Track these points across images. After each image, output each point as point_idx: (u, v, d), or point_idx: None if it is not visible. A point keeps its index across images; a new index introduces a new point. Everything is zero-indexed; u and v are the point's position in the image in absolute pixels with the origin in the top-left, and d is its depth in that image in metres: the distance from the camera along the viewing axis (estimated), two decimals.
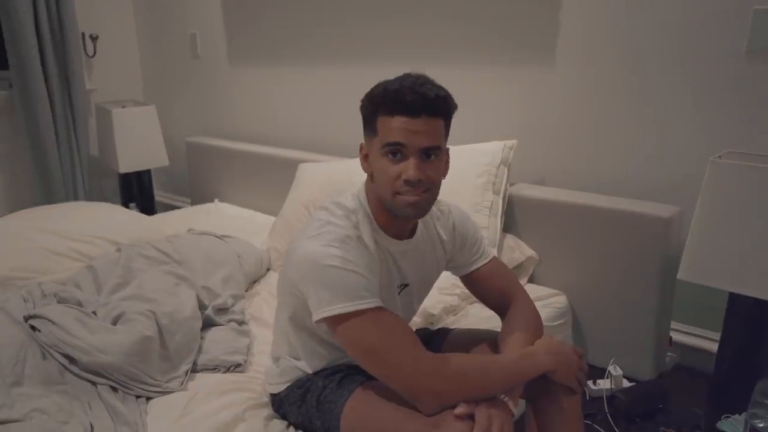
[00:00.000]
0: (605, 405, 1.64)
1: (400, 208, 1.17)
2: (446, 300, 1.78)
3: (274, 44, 2.87)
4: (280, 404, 1.35)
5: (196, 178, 3.27)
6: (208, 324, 1.71)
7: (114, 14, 3.47)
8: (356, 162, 1.27)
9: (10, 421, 1.29)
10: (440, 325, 1.63)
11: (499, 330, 1.32)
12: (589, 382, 1.76)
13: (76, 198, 3.16)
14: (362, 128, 1.22)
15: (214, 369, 1.55)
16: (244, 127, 3.14)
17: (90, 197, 3.22)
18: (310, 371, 1.30)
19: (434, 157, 1.16)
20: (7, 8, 2.82)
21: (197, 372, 1.54)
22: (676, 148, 1.84)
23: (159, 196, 3.62)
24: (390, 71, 1.19)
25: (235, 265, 1.98)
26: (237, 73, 3.10)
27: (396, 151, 1.14)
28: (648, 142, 1.89)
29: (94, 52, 3.38)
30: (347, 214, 1.21)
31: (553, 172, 2.11)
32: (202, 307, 1.73)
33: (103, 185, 3.47)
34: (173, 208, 3.31)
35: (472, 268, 1.39)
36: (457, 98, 1.19)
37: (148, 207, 3.32)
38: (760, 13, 1.63)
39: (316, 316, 1.13)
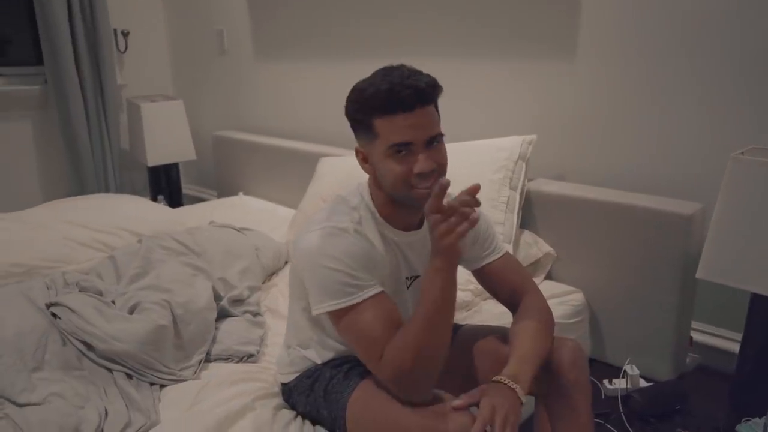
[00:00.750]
0: (620, 404, 1.61)
1: (419, 200, 1.16)
2: (459, 296, 1.74)
3: (298, 40, 2.89)
4: (289, 394, 1.37)
5: (223, 171, 3.32)
6: (223, 315, 1.73)
7: (145, 11, 3.54)
8: None
9: (30, 405, 1.34)
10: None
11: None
12: (605, 381, 1.74)
13: (107, 190, 3.25)
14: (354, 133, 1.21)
15: (228, 359, 1.58)
16: (269, 121, 3.18)
17: (121, 190, 3.31)
18: (319, 362, 1.31)
19: (437, 143, 1.16)
20: (42, 5, 2.92)
21: (211, 362, 1.57)
22: (698, 145, 1.79)
23: (188, 189, 3.69)
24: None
25: (252, 257, 2.01)
26: (262, 68, 3.14)
27: (402, 149, 1.13)
28: (669, 138, 1.84)
29: (126, 48, 3.46)
30: (349, 211, 1.22)
31: (571, 168, 2.08)
32: (217, 298, 1.76)
33: (134, 178, 3.55)
34: (201, 200, 3.37)
35: (484, 263, 1.37)
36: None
37: (176, 200, 3.39)
38: None
39: (313, 311, 1.17)
